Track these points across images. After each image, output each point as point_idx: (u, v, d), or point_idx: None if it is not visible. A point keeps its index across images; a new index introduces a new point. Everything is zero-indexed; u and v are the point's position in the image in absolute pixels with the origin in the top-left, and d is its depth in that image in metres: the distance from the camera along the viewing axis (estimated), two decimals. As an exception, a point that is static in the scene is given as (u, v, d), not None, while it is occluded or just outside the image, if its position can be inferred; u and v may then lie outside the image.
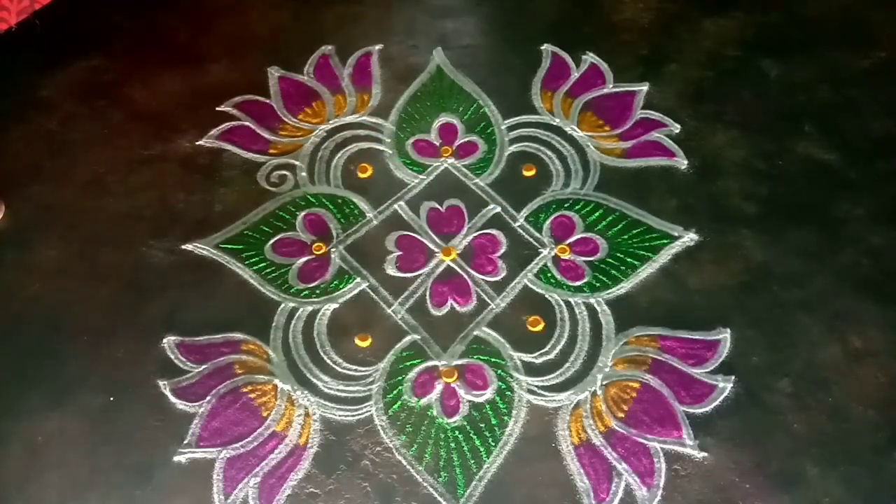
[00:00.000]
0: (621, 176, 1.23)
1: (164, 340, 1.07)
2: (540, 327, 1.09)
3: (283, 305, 1.11)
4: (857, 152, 1.25)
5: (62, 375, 1.05)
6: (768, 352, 1.05)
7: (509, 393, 1.03)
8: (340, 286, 1.13)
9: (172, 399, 1.03)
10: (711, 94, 1.33)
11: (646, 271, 1.13)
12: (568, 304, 1.11)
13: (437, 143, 1.29)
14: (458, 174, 1.25)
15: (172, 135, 1.29)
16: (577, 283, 1.12)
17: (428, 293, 1.12)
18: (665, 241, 1.16)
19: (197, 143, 1.29)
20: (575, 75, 1.37)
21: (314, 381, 1.05)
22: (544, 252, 1.16)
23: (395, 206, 1.22)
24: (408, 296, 1.12)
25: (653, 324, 1.08)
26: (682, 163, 1.25)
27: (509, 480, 0.97)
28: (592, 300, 1.11)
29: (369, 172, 1.26)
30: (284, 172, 1.25)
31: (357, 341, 1.08)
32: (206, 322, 1.09)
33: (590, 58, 1.39)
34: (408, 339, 1.08)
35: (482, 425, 1.01)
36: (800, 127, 1.28)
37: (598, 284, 1.12)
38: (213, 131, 1.30)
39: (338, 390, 1.04)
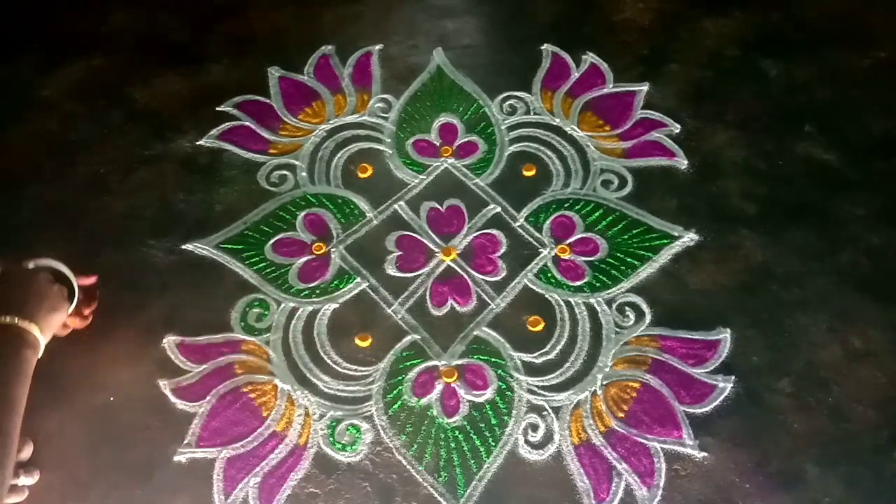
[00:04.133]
0: (621, 176, 1.24)
1: (164, 340, 1.07)
2: (540, 327, 1.09)
3: (283, 305, 1.11)
4: (857, 152, 1.25)
5: (62, 375, 1.05)
6: (768, 352, 1.05)
7: (509, 393, 1.03)
8: (340, 286, 1.13)
9: (172, 399, 1.03)
10: (711, 94, 1.33)
11: (646, 271, 1.13)
12: (568, 303, 1.11)
13: (437, 143, 1.29)
14: (458, 174, 1.25)
15: (172, 135, 1.29)
16: (577, 283, 1.13)
17: (428, 293, 1.12)
18: (665, 241, 1.16)
19: (197, 143, 1.29)
20: (575, 75, 1.37)
21: (314, 380, 1.05)
22: (544, 252, 1.16)
23: (395, 206, 1.22)
24: (408, 296, 1.12)
25: (653, 324, 1.08)
26: (682, 163, 1.25)
27: (509, 480, 0.97)
28: (592, 300, 1.11)
29: (369, 172, 1.26)
30: (284, 172, 1.25)
31: (357, 341, 1.08)
32: (206, 322, 1.09)
33: (590, 58, 1.39)
34: (408, 339, 1.08)
35: (482, 425, 1.01)
36: (800, 127, 1.28)
37: (598, 284, 1.12)
38: (213, 131, 1.30)
39: (338, 390, 1.04)
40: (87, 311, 0.97)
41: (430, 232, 1.19)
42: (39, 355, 0.81)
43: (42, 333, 0.81)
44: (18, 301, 0.81)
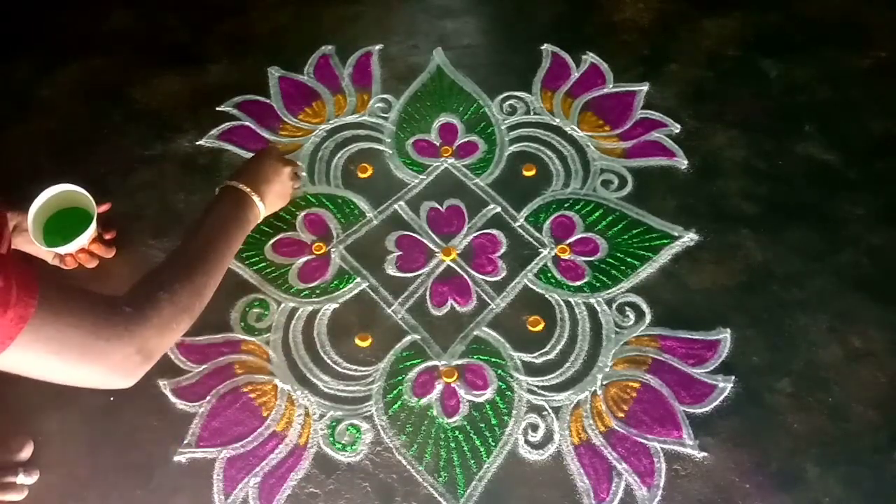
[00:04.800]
0: (621, 176, 1.24)
1: (164, 340, 1.07)
2: (540, 327, 1.09)
3: (283, 305, 1.11)
4: (857, 152, 1.25)
5: (62, 375, 1.05)
6: (768, 352, 1.05)
7: (509, 393, 1.03)
8: (340, 286, 1.13)
9: (172, 399, 1.03)
10: (711, 94, 1.33)
11: (646, 271, 1.13)
12: (568, 303, 1.11)
13: (437, 143, 1.29)
14: (458, 174, 1.25)
15: (172, 135, 1.29)
16: (577, 283, 1.13)
17: (428, 293, 1.12)
18: (665, 241, 1.16)
19: (197, 143, 1.29)
20: (575, 75, 1.37)
21: (314, 380, 1.05)
22: (544, 252, 1.16)
23: (395, 206, 1.22)
24: (408, 296, 1.12)
25: (653, 324, 1.08)
26: (682, 163, 1.25)
27: (509, 480, 0.97)
28: (592, 300, 1.11)
29: (369, 172, 1.26)
30: (284, 172, 1.25)
31: (357, 341, 1.08)
32: (206, 322, 1.09)
33: (590, 58, 1.39)
34: (408, 339, 1.08)
35: (482, 425, 1.01)
36: (800, 127, 1.28)
37: (598, 284, 1.12)
38: (213, 131, 1.30)
39: (338, 390, 1.04)
40: (108, 237, 1.11)
41: (430, 232, 1.19)
42: (258, 221, 1.04)
43: (265, 208, 1.03)
44: (254, 177, 1.03)
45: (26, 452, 0.98)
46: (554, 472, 0.97)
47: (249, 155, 1.27)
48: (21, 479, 0.96)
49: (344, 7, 1.48)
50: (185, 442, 0.99)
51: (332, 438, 1.00)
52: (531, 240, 1.18)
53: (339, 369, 1.06)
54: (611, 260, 1.15)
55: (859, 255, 1.14)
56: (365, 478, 0.97)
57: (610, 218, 1.19)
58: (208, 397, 1.03)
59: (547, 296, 1.12)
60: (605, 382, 1.04)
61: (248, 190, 1.00)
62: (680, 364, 1.05)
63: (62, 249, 1.03)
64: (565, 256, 1.15)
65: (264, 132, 1.30)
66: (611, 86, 1.36)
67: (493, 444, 0.99)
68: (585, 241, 1.17)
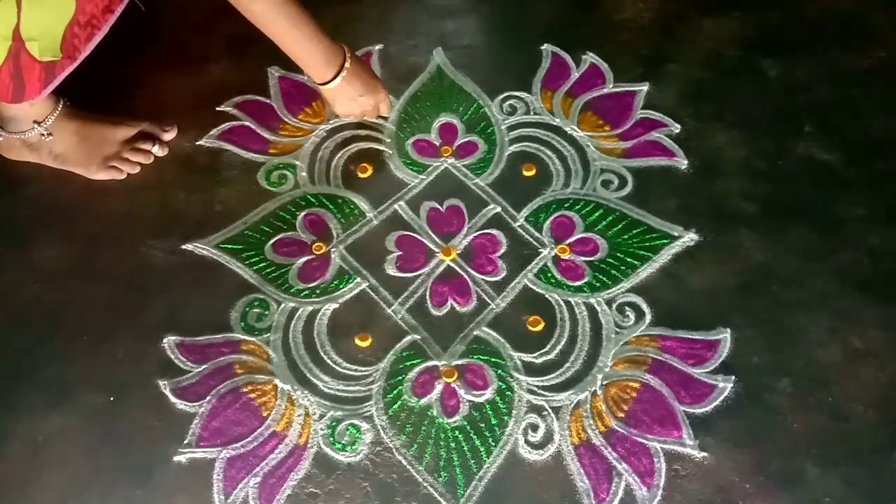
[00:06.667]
0: (621, 176, 1.24)
1: (164, 340, 1.07)
2: (540, 327, 1.09)
3: (283, 305, 1.11)
4: (857, 152, 1.25)
5: (62, 375, 1.05)
6: (768, 352, 1.05)
7: (509, 393, 1.03)
8: (340, 286, 1.13)
9: (172, 399, 1.03)
10: (711, 94, 1.33)
11: (646, 271, 1.13)
12: (568, 303, 1.11)
13: (437, 143, 1.29)
14: (458, 174, 1.25)
15: (172, 135, 1.30)
16: (577, 283, 1.13)
17: (428, 293, 1.12)
18: (665, 241, 1.16)
19: (197, 143, 1.29)
20: (575, 75, 1.37)
21: (314, 381, 1.05)
22: (544, 252, 1.16)
23: (395, 206, 1.22)
24: (408, 296, 1.12)
25: (653, 324, 1.08)
26: (682, 163, 1.25)
27: (509, 480, 0.97)
28: (592, 300, 1.11)
29: (369, 172, 1.26)
30: (284, 172, 1.25)
31: (357, 341, 1.08)
32: (206, 322, 1.09)
33: (590, 58, 1.39)
34: (408, 339, 1.08)
35: (482, 425, 1.01)
36: (800, 127, 1.28)
37: (598, 284, 1.12)
38: (213, 131, 1.30)
39: (338, 390, 1.04)
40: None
41: (430, 232, 1.19)
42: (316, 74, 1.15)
43: (334, 87, 1.16)
44: (362, 70, 1.19)
45: (171, 134, 1.25)
46: (554, 472, 0.97)
47: (249, 155, 1.27)
48: (155, 149, 1.23)
49: (344, 7, 1.48)
50: (185, 442, 0.99)
51: (332, 438, 1.00)
52: (531, 240, 1.18)
53: (339, 369, 1.06)
54: (611, 260, 1.15)
55: (859, 256, 1.14)
56: (365, 478, 0.97)
57: (610, 218, 1.19)
58: (208, 397, 1.03)
59: (547, 296, 1.12)
60: (605, 382, 1.04)
61: (349, 57, 1.13)
62: (680, 364, 1.05)
63: None
64: (565, 256, 1.15)
65: (264, 132, 1.30)
66: (611, 86, 1.36)
67: (493, 444, 0.99)
68: (585, 241, 1.17)
